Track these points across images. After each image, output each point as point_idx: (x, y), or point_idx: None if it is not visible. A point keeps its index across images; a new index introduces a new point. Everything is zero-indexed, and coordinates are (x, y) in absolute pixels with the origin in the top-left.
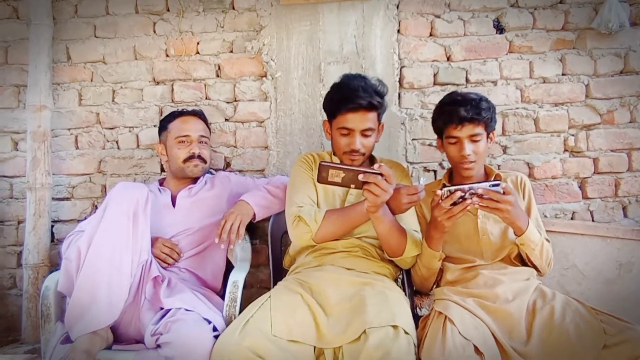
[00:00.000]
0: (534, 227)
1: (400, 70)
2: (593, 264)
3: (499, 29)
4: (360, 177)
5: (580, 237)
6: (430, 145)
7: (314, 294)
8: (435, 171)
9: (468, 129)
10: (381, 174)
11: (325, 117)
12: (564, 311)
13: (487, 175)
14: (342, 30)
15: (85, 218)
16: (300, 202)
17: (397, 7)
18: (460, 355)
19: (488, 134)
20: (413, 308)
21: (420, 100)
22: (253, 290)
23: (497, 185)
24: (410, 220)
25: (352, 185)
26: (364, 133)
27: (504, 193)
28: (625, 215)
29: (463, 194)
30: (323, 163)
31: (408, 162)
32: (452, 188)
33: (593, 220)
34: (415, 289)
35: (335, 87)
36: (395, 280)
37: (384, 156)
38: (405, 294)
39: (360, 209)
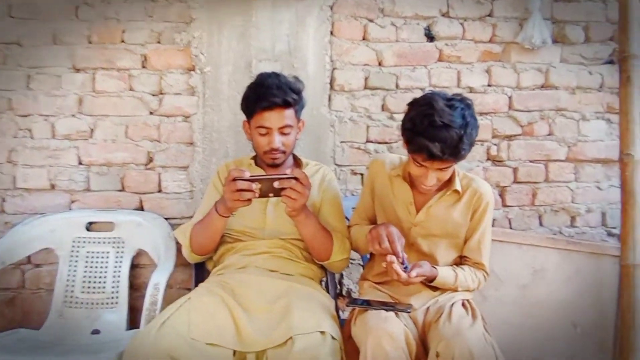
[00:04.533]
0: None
1: (332, 72)
2: (510, 269)
3: (430, 37)
4: (276, 184)
5: (499, 244)
6: (359, 148)
7: (236, 296)
8: (362, 174)
9: None
10: (295, 178)
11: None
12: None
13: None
14: (275, 28)
15: None
16: (195, 219)
17: (331, 8)
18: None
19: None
20: (337, 310)
21: (351, 103)
22: (173, 290)
23: None
24: (334, 221)
25: (271, 195)
26: (282, 131)
27: None
28: (540, 224)
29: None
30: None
31: (336, 164)
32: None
33: (511, 228)
34: (338, 292)
35: (251, 87)
36: (320, 282)
37: (312, 158)
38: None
39: (213, 213)
